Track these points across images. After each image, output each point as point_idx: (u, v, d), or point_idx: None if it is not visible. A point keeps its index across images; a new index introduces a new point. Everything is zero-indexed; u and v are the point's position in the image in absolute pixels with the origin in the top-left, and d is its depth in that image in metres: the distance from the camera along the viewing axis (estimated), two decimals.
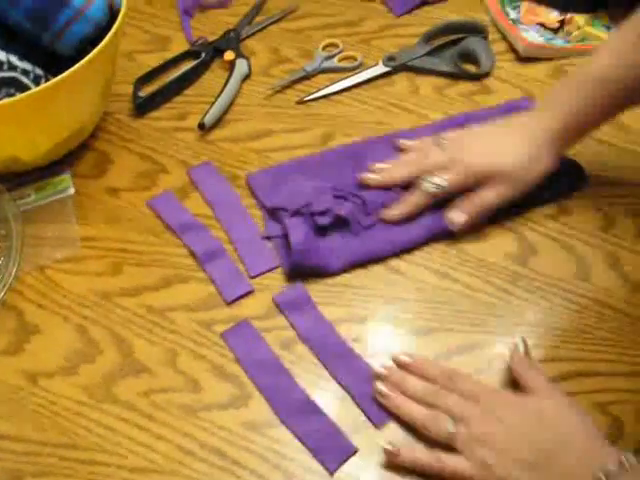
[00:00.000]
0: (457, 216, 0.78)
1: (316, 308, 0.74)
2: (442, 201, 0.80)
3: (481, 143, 0.80)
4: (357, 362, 0.71)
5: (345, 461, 0.65)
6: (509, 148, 0.78)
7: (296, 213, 0.78)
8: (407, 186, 0.81)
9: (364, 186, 0.82)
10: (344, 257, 0.77)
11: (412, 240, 0.79)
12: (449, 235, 0.80)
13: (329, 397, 0.69)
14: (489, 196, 0.77)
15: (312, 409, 0.68)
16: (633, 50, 0.74)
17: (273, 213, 0.81)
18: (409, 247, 0.79)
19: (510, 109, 0.89)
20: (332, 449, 0.66)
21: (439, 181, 0.78)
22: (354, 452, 0.66)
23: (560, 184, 0.82)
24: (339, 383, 0.69)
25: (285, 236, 0.79)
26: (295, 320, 0.74)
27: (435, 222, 0.79)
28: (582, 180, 0.83)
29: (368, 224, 0.79)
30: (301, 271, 0.77)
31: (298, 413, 0.68)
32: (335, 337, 0.72)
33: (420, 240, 0.79)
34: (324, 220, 0.78)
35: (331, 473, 0.64)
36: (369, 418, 0.67)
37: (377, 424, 0.67)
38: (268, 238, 0.80)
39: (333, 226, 0.79)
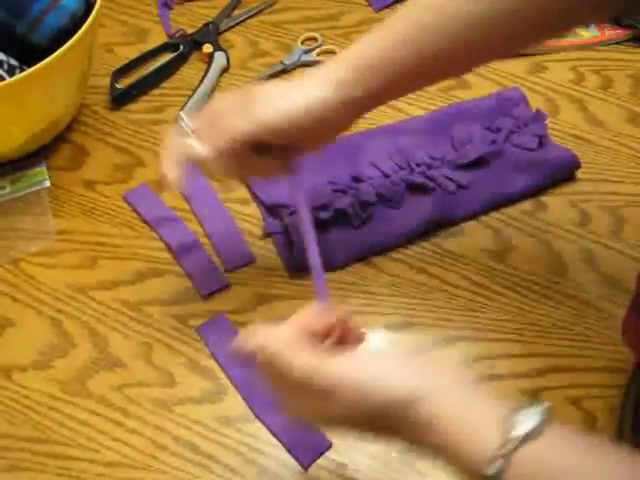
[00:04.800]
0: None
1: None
2: (442, 193, 0.80)
3: None
4: None
5: (319, 456, 0.65)
6: None
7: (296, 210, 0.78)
8: (407, 182, 0.81)
9: (360, 179, 0.82)
10: (345, 251, 0.78)
11: (412, 230, 0.79)
12: (448, 225, 0.80)
13: None
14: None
15: None
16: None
17: (272, 209, 0.81)
18: (409, 239, 0.79)
19: (501, 99, 0.89)
20: (306, 444, 0.66)
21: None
22: (329, 447, 0.66)
23: (554, 171, 0.83)
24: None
25: (285, 232, 0.78)
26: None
27: (434, 212, 0.80)
28: (576, 167, 0.84)
29: (367, 217, 0.80)
30: (303, 267, 0.76)
31: (272, 408, 0.68)
32: None
33: (420, 230, 0.79)
34: (324, 215, 0.78)
35: (305, 468, 0.64)
36: None
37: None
38: (268, 235, 0.80)
39: (333, 220, 0.79)
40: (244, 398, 0.69)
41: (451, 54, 0.61)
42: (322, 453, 0.65)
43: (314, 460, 0.65)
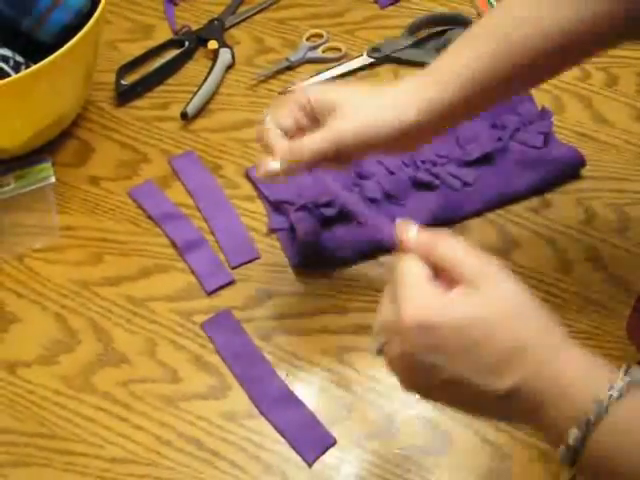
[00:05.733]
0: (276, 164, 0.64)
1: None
2: (447, 190, 0.80)
3: None
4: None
5: (324, 452, 0.65)
6: None
7: (301, 207, 0.78)
8: (412, 179, 0.81)
9: (365, 176, 0.82)
10: (350, 248, 0.77)
11: None
12: (452, 222, 0.80)
13: (308, 388, 0.69)
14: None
15: (291, 400, 0.68)
16: None
17: (277, 206, 0.81)
18: None
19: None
20: (311, 440, 0.66)
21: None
22: (333, 443, 0.66)
23: (559, 169, 0.83)
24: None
25: (290, 229, 0.79)
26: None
27: (439, 209, 0.80)
28: (581, 165, 0.84)
29: (372, 214, 0.79)
30: (308, 264, 0.76)
31: (277, 404, 0.68)
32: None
33: (425, 227, 0.79)
34: (330, 211, 0.78)
35: (310, 464, 0.64)
36: None
37: None
38: (273, 231, 0.80)
39: (338, 217, 0.79)
40: (249, 394, 0.69)
41: (545, 61, 0.63)
42: (327, 449, 0.65)
43: (318, 456, 0.65)
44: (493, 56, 0.62)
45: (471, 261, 0.50)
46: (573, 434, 0.44)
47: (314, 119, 0.64)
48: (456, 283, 0.49)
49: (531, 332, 0.48)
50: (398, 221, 0.53)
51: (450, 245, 0.51)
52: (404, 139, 0.63)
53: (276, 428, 0.67)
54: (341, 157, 0.63)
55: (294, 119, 0.64)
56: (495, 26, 0.64)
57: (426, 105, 0.62)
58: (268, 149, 0.63)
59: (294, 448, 0.66)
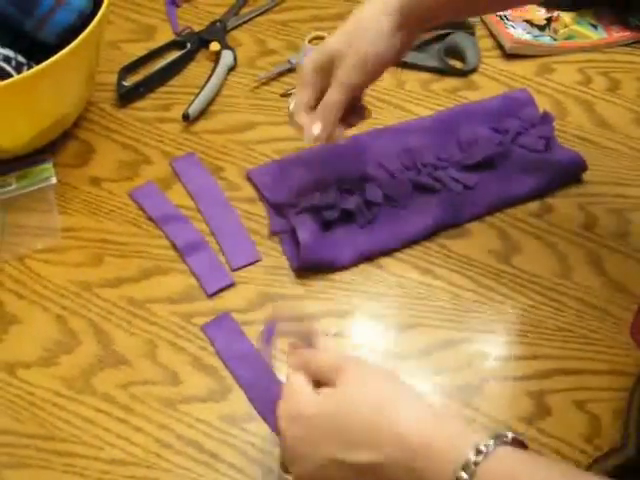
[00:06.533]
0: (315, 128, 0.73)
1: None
2: (448, 193, 0.80)
3: None
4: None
5: None
6: None
7: (303, 210, 0.78)
8: (413, 183, 0.82)
9: (367, 179, 0.82)
10: (351, 251, 0.77)
11: (418, 232, 0.79)
12: (453, 226, 0.80)
13: None
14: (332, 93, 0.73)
15: None
16: None
17: (278, 209, 0.81)
18: (415, 239, 0.79)
19: (508, 100, 0.89)
20: None
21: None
22: None
23: (560, 173, 0.83)
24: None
25: (291, 231, 0.78)
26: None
27: (440, 213, 0.80)
28: (582, 170, 0.84)
29: (373, 217, 0.79)
30: (309, 266, 0.76)
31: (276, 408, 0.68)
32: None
33: (427, 232, 0.79)
34: (331, 215, 0.78)
35: None
36: None
37: None
38: (274, 233, 0.80)
39: (339, 220, 0.79)
40: (249, 397, 0.69)
41: None
42: None
43: None
44: None
45: (329, 363, 0.56)
46: None
47: (327, 76, 0.72)
48: (327, 385, 0.55)
49: (386, 412, 0.52)
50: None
51: (318, 356, 0.58)
52: (395, 44, 0.71)
53: (273, 431, 0.66)
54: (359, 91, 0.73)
55: (311, 91, 0.73)
56: None
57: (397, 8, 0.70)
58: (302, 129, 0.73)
59: None
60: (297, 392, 0.56)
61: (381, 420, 0.51)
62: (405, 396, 0.54)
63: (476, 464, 0.47)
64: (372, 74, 0.73)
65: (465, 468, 0.47)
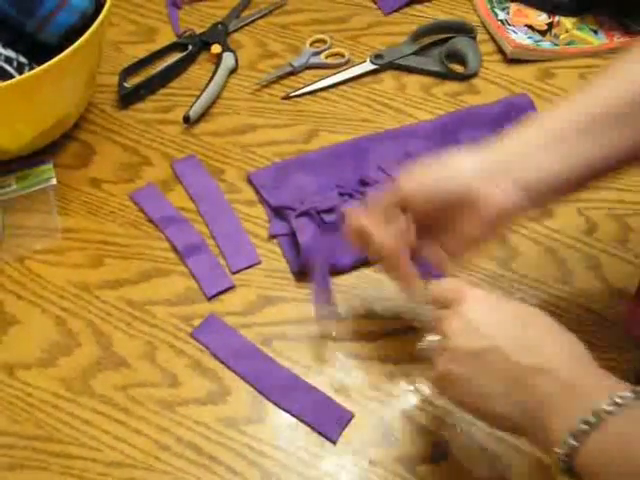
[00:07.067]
0: None
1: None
2: None
3: None
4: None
5: (345, 427, 0.67)
6: None
7: (303, 213, 0.78)
8: None
9: (367, 183, 0.82)
10: (351, 255, 0.77)
11: None
12: None
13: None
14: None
15: (300, 385, 0.69)
16: None
17: (278, 212, 0.81)
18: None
19: (509, 106, 0.89)
20: (330, 419, 0.67)
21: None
22: (351, 417, 0.67)
23: None
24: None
25: (291, 234, 0.78)
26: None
27: None
28: None
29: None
30: (308, 269, 0.76)
31: (288, 392, 0.69)
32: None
33: None
34: (331, 218, 0.78)
35: (334, 442, 0.66)
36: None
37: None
38: (274, 236, 0.80)
39: (339, 224, 0.79)
40: (257, 388, 0.69)
41: None
42: (347, 424, 0.67)
43: (341, 432, 0.66)
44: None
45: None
46: (569, 440, 0.47)
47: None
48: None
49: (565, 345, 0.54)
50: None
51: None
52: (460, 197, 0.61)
53: (292, 414, 0.67)
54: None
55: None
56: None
57: (479, 167, 0.61)
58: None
59: (315, 429, 0.67)
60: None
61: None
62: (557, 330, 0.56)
63: (609, 412, 0.47)
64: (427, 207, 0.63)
65: (595, 414, 0.47)
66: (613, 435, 0.47)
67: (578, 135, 0.59)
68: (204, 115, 0.92)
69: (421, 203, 0.63)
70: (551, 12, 1.02)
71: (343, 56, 0.98)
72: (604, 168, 0.61)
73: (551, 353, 0.53)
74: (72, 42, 0.75)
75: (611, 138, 0.59)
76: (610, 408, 0.47)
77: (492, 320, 0.55)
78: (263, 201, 0.83)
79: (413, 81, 0.96)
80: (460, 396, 0.56)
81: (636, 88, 0.59)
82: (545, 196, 0.61)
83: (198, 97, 0.91)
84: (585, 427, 0.47)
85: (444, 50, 0.98)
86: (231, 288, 0.76)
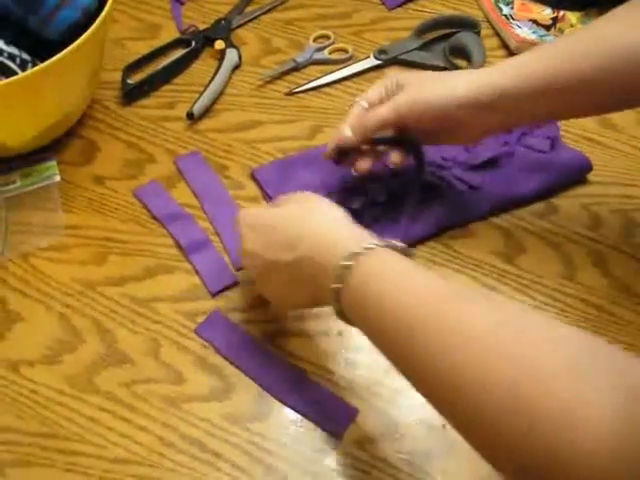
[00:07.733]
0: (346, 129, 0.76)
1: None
2: (453, 193, 0.81)
3: None
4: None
5: (350, 423, 0.67)
6: None
7: None
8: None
9: (371, 179, 0.82)
10: None
11: (423, 232, 0.79)
12: (458, 226, 0.80)
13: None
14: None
15: (304, 382, 0.69)
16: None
17: None
18: (420, 239, 0.79)
19: None
20: (335, 414, 0.67)
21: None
22: (356, 413, 0.67)
23: (566, 174, 0.83)
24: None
25: None
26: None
27: (445, 213, 0.80)
28: (587, 170, 0.84)
29: (377, 216, 0.79)
30: None
31: (292, 388, 0.68)
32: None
33: (432, 232, 0.79)
34: None
35: (339, 437, 0.66)
36: None
37: None
38: None
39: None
40: (261, 384, 0.69)
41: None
42: (352, 419, 0.67)
43: (346, 428, 0.66)
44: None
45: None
46: (333, 286, 0.56)
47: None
48: None
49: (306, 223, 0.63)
50: None
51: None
52: (455, 116, 0.69)
53: (296, 410, 0.67)
54: (401, 125, 0.72)
55: (378, 94, 0.74)
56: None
57: (476, 84, 0.68)
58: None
59: (320, 426, 0.66)
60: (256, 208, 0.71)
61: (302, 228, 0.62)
62: (323, 208, 0.64)
63: (359, 254, 0.55)
64: (417, 120, 0.71)
65: (348, 258, 0.55)
66: (364, 276, 0.55)
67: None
68: (208, 111, 0.92)
69: (414, 121, 0.72)
70: (555, 7, 1.02)
71: (347, 52, 0.98)
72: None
73: (310, 221, 0.62)
74: (75, 39, 0.75)
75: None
76: (362, 251, 0.55)
77: (267, 215, 0.67)
78: (267, 197, 0.83)
79: None
80: (269, 293, 0.68)
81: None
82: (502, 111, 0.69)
83: (202, 93, 0.91)
84: (344, 271, 0.55)
85: (448, 45, 0.97)
86: (235, 284, 0.76)
